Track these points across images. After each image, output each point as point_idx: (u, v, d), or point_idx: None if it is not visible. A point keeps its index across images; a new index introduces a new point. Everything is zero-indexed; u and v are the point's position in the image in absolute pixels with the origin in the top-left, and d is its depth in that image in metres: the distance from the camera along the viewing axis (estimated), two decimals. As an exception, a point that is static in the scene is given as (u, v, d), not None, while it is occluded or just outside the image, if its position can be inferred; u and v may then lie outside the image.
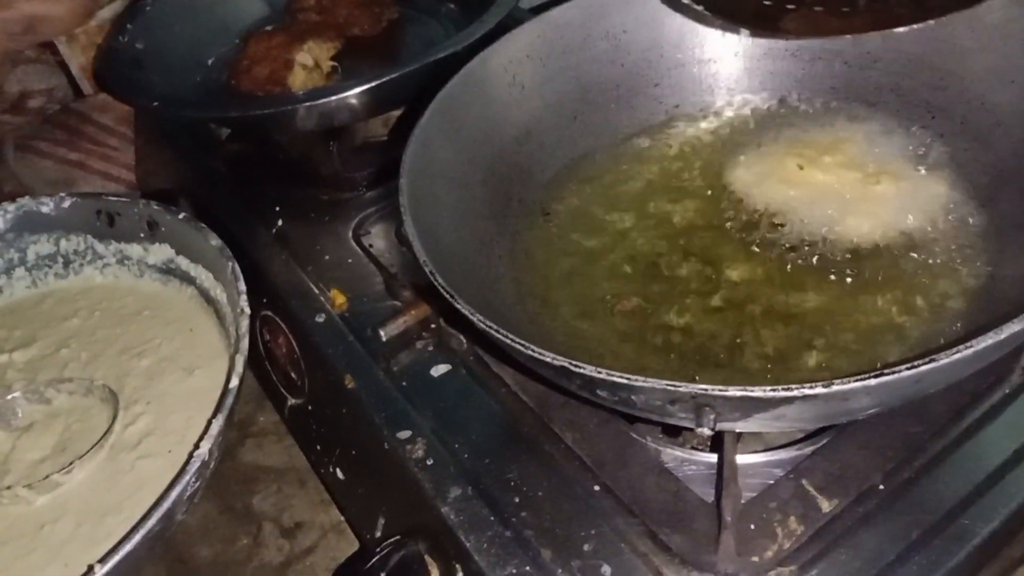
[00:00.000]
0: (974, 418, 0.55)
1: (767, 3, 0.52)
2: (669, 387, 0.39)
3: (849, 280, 0.56)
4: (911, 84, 0.63)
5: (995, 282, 0.53)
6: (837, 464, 0.53)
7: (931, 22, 0.52)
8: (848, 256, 0.58)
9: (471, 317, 0.44)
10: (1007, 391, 0.56)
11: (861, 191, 0.59)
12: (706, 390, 0.39)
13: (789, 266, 0.58)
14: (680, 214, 0.64)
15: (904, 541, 0.49)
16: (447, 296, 0.46)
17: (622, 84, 0.70)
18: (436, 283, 0.47)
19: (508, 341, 0.43)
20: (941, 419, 0.54)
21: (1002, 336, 0.38)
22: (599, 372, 0.40)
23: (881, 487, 0.52)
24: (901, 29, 0.50)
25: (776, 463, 0.54)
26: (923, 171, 0.60)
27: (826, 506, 0.51)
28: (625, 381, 0.40)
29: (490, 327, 0.44)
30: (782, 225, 0.59)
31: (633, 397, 0.42)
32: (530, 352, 0.42)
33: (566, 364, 0.41)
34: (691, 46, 0.70)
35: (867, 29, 0.49)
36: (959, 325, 0.52)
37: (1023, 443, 0.53)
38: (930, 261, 0.56)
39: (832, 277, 0.57)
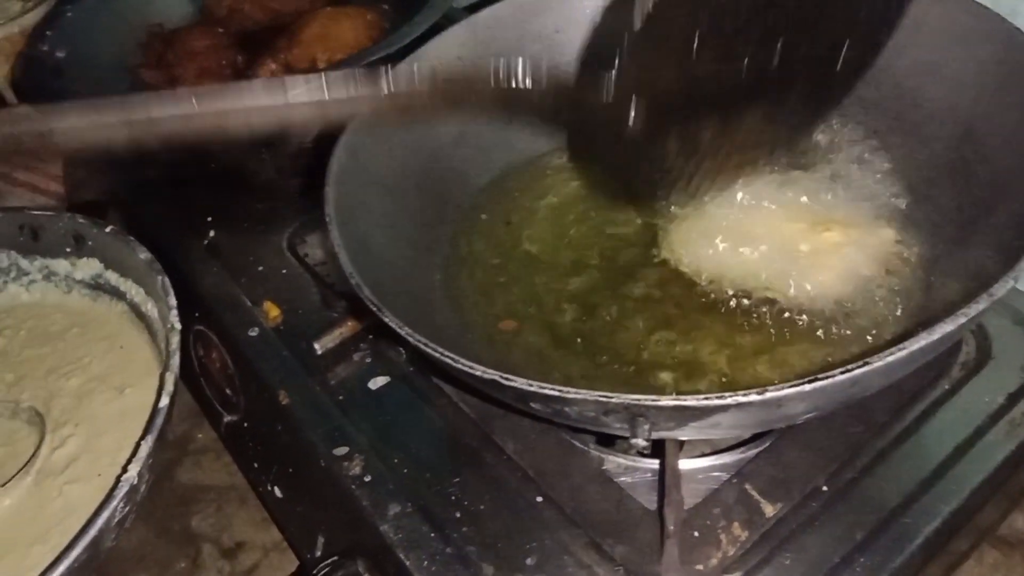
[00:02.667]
0: (915, 415, 0.55)
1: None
2: (601, 398, 0.38)
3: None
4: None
5: (931, 283, 0.53)
6: (780, 466, 0.52)
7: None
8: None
9: (399, 330, 0.43)
10: (947, 387, 0.56)
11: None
12: (639, 400, 0.38)
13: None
14: (621, 224, 0.63)
15: (848, 543, 0.49)
16: (374, 309, 0.44)
17: (558, 85, 0.69)
18: (363, 296, 0.45)
19: (437, 354, 0.41)
20: (883, 417, 0.54)
21: (934, 337, 0.37)
22: (530, 385, 0.39)
23: (824, 488, 0.51)
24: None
25: (720, 467, 0.54)
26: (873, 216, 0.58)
27: (770, 510, 0.50)
28: (557, 393, 0.39)
29: (419, 340, 0.42)
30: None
31: (566, 409, 0.41)
32: (459, 365, 0.41)
33: (496, 377, 0.40)
34: (626, 45, 0.68)
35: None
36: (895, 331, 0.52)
37: (963, 439, 0.53)
38: (875, 297, 0.54)
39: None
